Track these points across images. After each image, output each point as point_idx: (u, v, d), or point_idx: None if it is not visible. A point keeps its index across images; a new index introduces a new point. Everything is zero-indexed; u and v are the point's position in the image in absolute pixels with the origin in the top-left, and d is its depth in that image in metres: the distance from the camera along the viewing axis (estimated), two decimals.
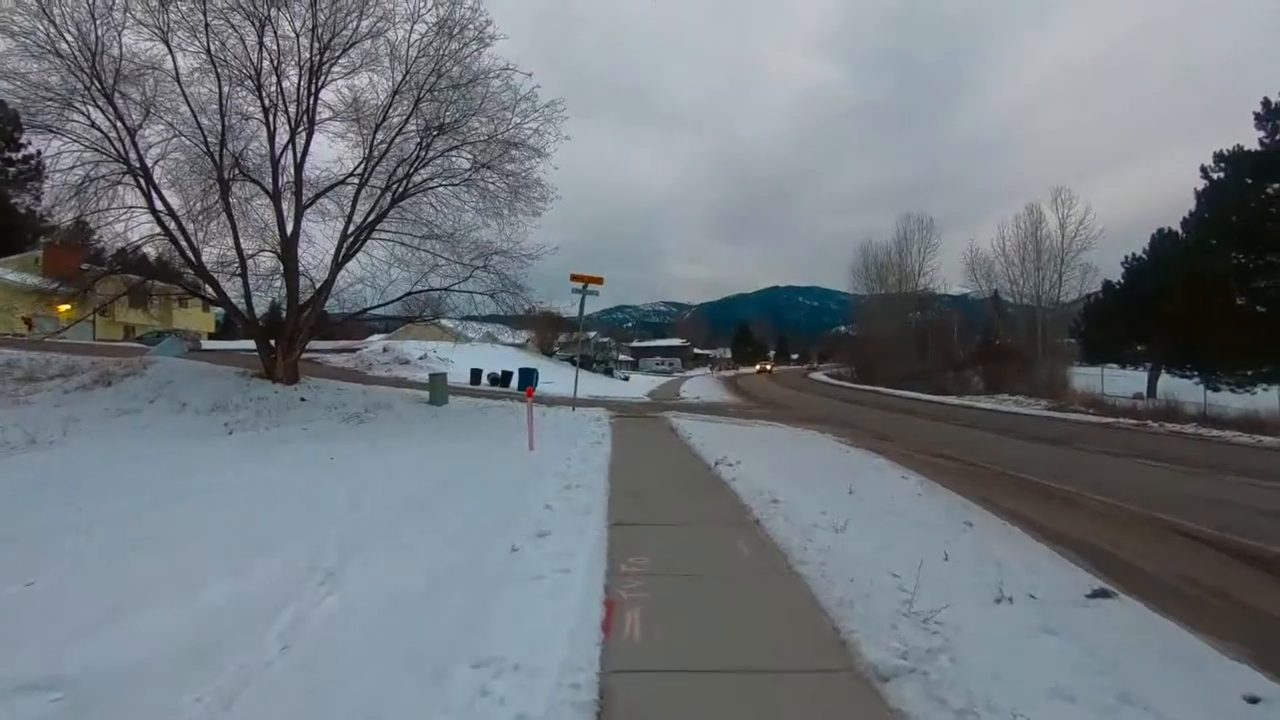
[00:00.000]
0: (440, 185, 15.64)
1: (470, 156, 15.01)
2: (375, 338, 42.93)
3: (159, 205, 14.32)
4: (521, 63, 14.72)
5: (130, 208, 14.42)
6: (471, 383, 26.86)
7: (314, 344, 34.51)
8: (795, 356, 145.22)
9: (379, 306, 15.47)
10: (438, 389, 15.96)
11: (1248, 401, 21.88)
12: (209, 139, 14.02)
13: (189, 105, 13.76)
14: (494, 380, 27.59)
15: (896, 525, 5.65)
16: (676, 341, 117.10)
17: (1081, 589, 4.24)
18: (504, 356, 35.68)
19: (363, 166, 14.97)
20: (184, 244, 14.39)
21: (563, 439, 12.00)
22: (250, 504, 7.14)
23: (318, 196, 15.76)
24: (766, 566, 4.59)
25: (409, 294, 15.41)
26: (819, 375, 74.61)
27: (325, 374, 22.96)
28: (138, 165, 13.96)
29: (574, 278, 16.37)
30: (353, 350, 32.19)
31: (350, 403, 14.86)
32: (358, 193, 14.96)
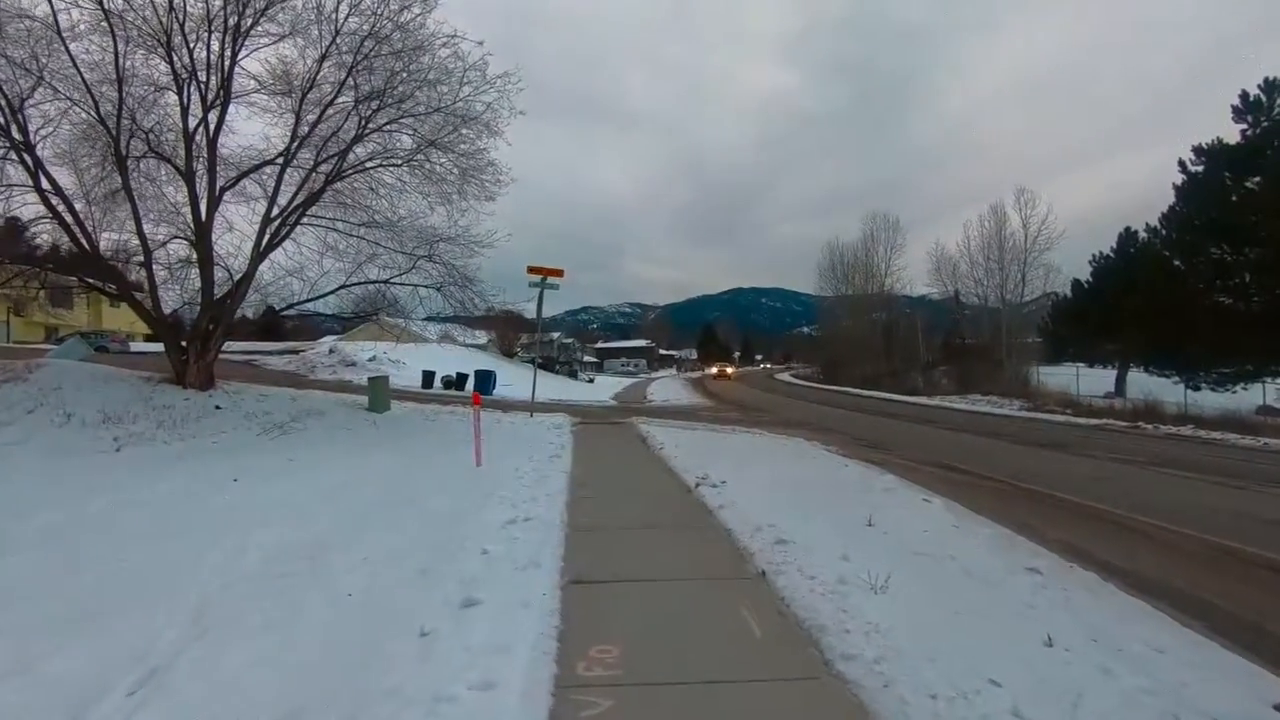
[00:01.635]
0: (380, 166, 13.92)
1: (412, 129, 13.32)
2: (328, 338, 40.43)
3: (45, 185, 12.34)
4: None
5: (11, 185, 12.43)
6: (424, 386, 24.98)
7: (257, 346, 32.21)
8: (759, 357, 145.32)
9: (308, 301, 13.63)
10: (378, 394, 14.20)
11: (1226, 400, 21.32)
12: (102, 108, 12.07)
13: (77, 68, 11.77)
14: (448, 383, 25.74)
15: (948, 578, 4.25)
16: (642, 343, 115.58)
17: (1254, 689, 2.89)
18: (462, 358, 33.71)
19: (288, 142, 13.17)
20: (76, 230, 12.40)
21: (517, 451, 10.45)
22: (98, 552, 5.42)
23: (240, 177, 13.88)
24: (794, 662, 3.11)
25: (343, 287, 13.60)
26: (785, 376, 74.00)
27: (262, 378, 20.95)
28: (19, 139, 11.98)
29: (531, 270, 14.79)
30: (297, 352, 29.96)
31: (275, 410, 13.04)
32: (282, 171, 13.13)
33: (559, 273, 14.91)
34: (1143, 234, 28.97)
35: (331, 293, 13.55)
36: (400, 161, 13.88)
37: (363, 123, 13.32)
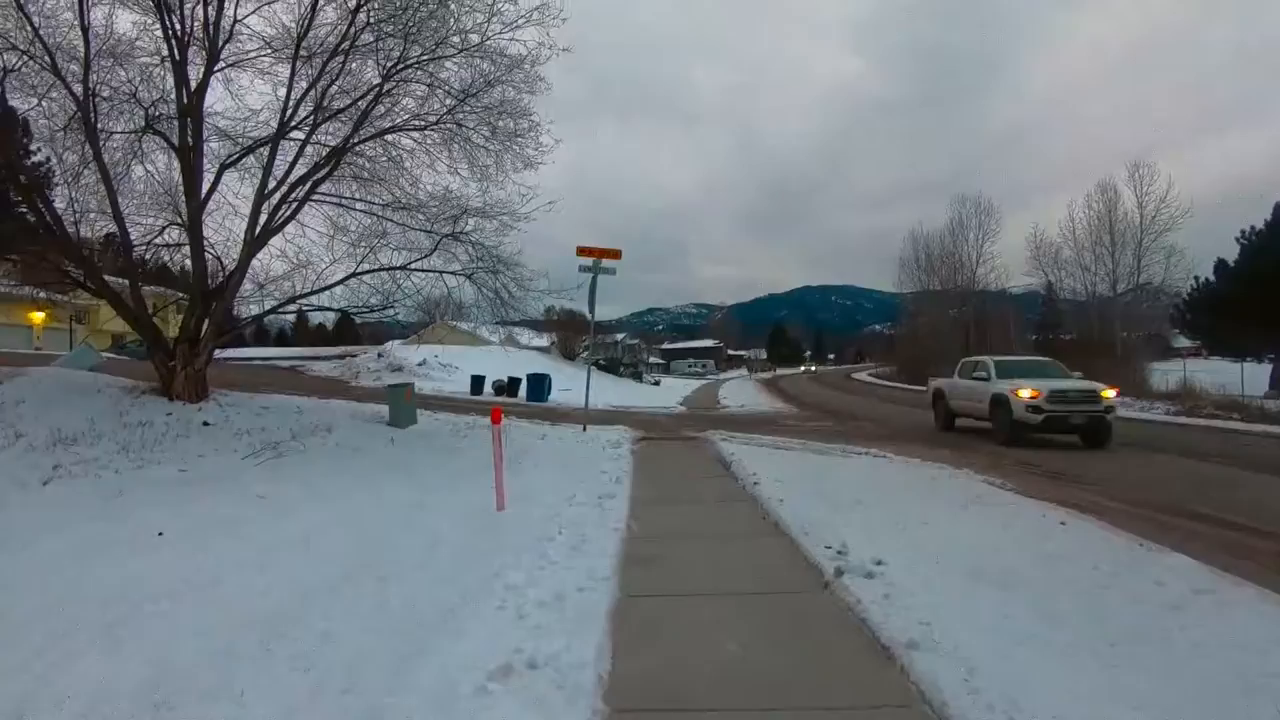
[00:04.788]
0: (398, 130, 11.51)
1: (433, 77, 10.83)
2: (394, 343, 38.72)
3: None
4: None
5: None
6: (472, 392, 22.69)
7: (310, 351, 30.84)
8: (831, 356, 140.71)
9: (311, 294, 11.24)
10: (400, 405, 11.74)
11: None
12: (61, 65, 10.04)
13: (26, 14, 9.71)
14: (499, 389, 23.36)
15: None
16: (709, 343, 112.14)
17: None
18: (520, 361, 31.42)
19: (284, 104, 10.91)
20: (42, 209, 10.44)
21: (557, 485, 7.75)
22: None
23: (246, 152, 11.72)
24: None
25: (353, 275, 11.17)
26: (863, 376, 69.41)
27: (292, 385, 19.08)
28: None
29: (582, 251, 12.07)
30: (343, 358, 28.35)
31: (273, 427, 10.73)
32: (276, 141, 10.85)
33: (615, 254, 12.15)
34: None
35: (339, 283, 11.16)
36: (423, 125, 11.44)
37: (385, 77, 10.97)
